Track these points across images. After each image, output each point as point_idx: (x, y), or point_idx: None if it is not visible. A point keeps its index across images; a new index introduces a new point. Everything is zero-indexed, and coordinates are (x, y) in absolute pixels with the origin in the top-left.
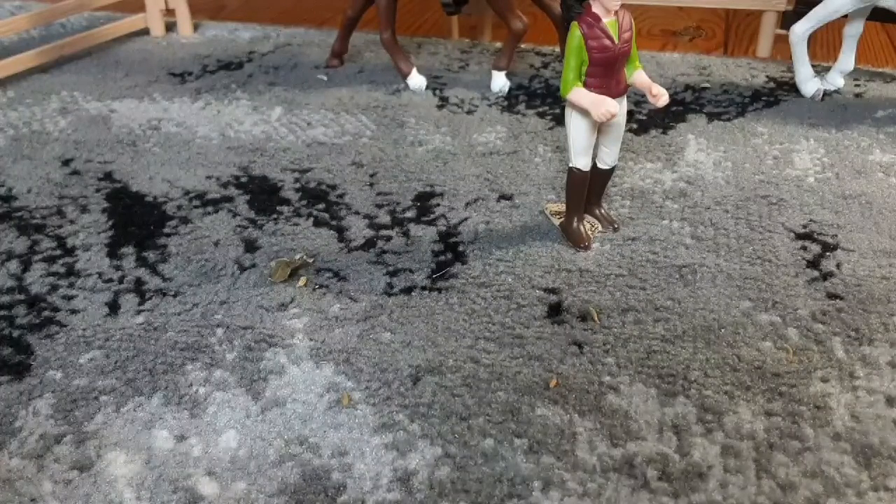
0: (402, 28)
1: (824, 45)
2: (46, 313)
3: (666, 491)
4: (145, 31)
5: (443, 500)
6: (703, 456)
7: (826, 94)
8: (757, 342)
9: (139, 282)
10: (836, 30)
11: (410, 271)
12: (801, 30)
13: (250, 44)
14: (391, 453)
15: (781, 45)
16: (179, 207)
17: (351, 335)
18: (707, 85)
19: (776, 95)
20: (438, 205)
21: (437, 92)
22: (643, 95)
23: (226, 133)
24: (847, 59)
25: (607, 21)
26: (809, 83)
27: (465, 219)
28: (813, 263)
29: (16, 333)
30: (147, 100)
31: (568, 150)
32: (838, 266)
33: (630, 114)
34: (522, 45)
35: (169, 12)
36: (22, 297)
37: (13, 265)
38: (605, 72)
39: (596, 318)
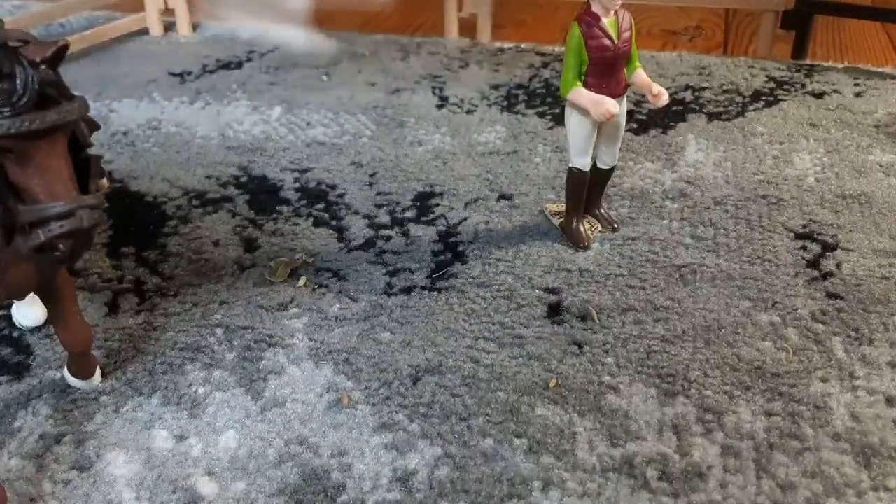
0: (402, 28)
1: (824, 45)
2: None
3: (666, 491)
4: (145, 31)
5: (442, 500)
6: (702, 456)
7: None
8: (757, 342)
9: (139, 281)
10: (836, 30)
11: (410, 271)
12: None
13: (250, 44)
14: (391, 453)
15: (781, 44)
16: (179, 207)
17: (351, 335)
18: (707, 85)
19: (776, 95)
20: (438, 205)
21: (437, 92)
22: (643, 95)
23: (225, 133)
24: None
25: (607, 21)
26: None
27: (465, 219)
28: (813, 263)
29: (16, 333)
30: (146, 100)
31: (568, 149)
32: (838, 266)
33: (630, 114)
34: (523, 45)
35: (168, 12)
36: None
37: None
38: (605, 71)
39: (596, 318)
